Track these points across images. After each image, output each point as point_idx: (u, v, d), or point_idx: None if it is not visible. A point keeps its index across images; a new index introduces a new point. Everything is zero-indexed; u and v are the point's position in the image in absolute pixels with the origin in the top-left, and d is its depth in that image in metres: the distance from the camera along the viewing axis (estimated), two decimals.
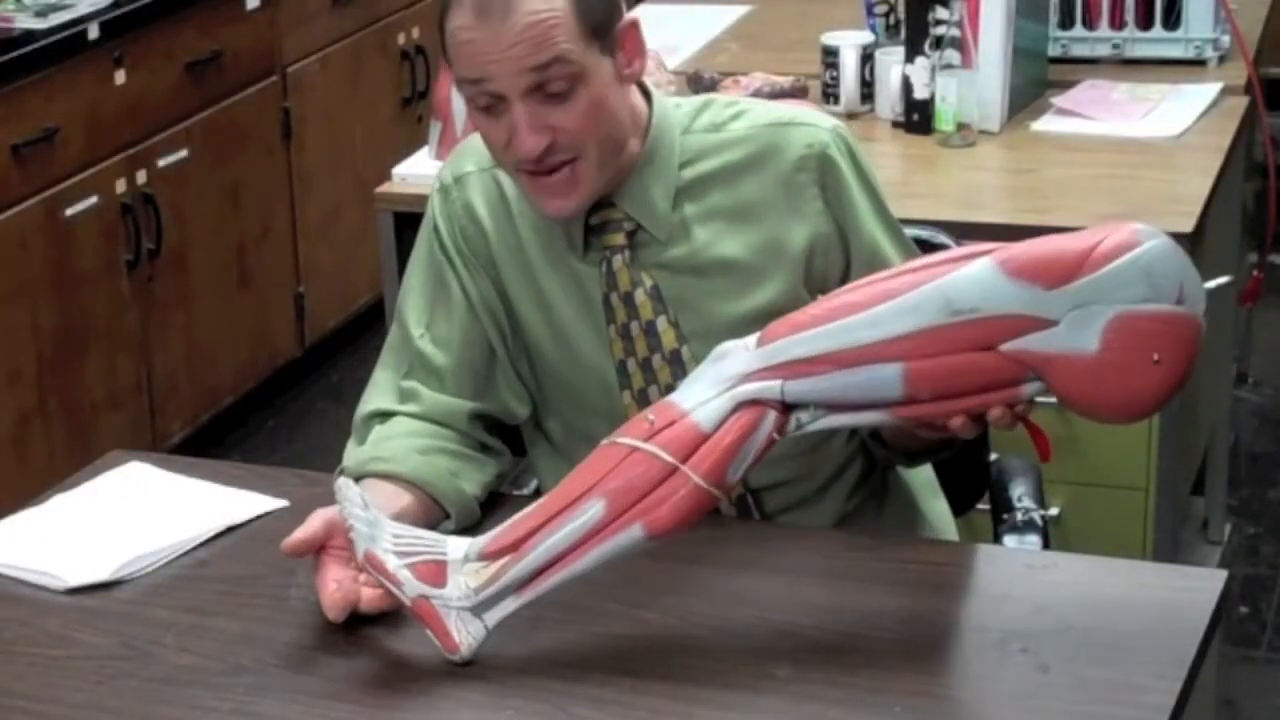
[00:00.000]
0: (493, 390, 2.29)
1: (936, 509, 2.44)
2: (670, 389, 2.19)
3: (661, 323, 2.22)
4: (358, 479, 2.12)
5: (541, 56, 2.07)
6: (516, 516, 1.97)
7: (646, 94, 2.24)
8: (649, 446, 1.93)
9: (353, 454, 2.23)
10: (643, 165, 2.21)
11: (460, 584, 1.95)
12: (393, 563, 1.94)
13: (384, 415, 2.26)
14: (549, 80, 2.09)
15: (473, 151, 2.30)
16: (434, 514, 2.18)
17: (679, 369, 2.22)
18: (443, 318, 2.28)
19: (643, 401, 2.22)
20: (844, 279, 2.22)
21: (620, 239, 2.22)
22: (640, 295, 2.22)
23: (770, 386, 1.94)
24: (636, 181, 2.21)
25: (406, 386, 2.27)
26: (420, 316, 2.29)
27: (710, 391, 1.95)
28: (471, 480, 2.22)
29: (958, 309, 1.91)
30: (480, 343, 2.28)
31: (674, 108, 2.26)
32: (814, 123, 2.27)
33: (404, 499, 2.16)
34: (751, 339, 1.98)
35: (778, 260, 2.22)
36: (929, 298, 1.91)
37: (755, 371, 1.95)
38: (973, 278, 1.91)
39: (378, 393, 2.29)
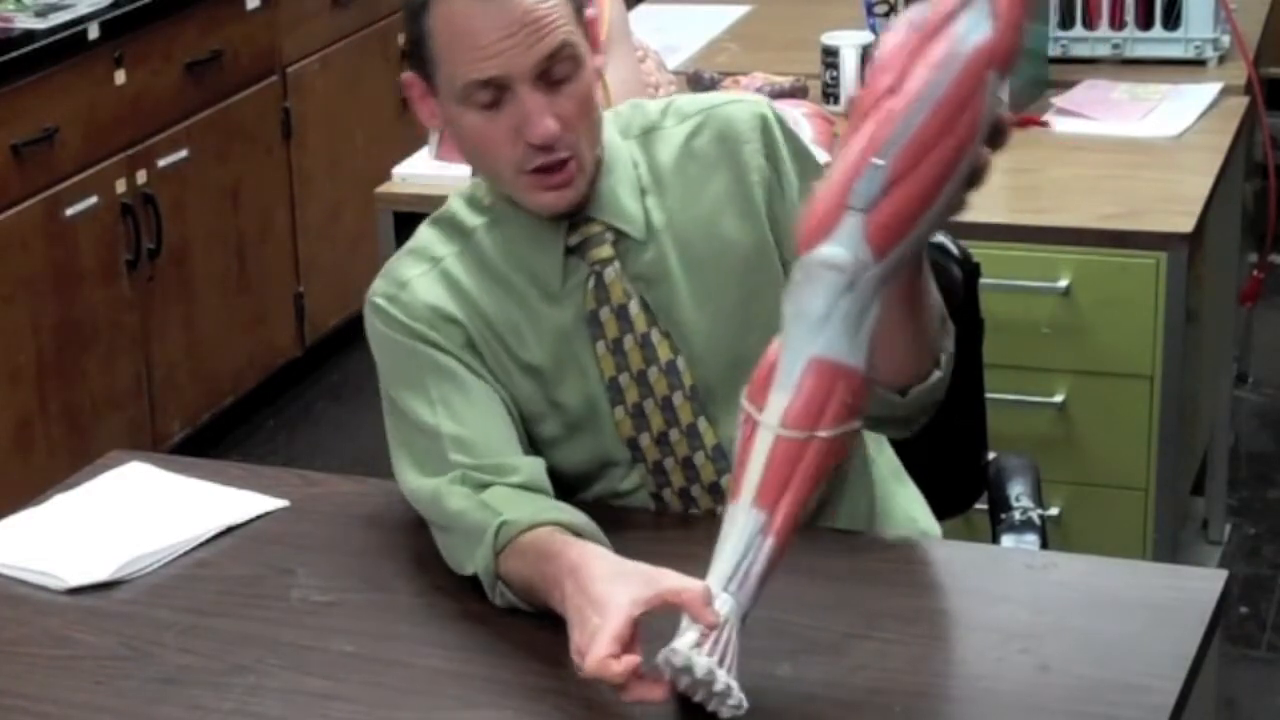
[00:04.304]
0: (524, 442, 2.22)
1: (905, 494, 2.38)
2: (667, 400, 2.20)
3: (655, 334, 2.20)
4: (523, 531, 2.05)
5: (552, 43, 2.07)
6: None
7: None
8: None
9: (505, 511, 2.08)
10: (606, 172, 2.19)
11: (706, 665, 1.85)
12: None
13: (479, 485, 2.13)
14: (555, 65, 2.08)
15: (404, 265, 2.22)
16: None
17: (675, 379, 2.20)
18: (461, 403, 2.17)
19: (637, 415, 2.20)
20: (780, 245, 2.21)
21: (608, 250, 2.18)
22: (635, 307, 2.19)
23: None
24: (605, 188, 2.19)
25: (480, 462, 2.14)
26: (442, 411, 2.16)
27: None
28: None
29: None
30: (503, 407, 2.19)
31: (604, 120, 2.23)
32: (744, 98, 2.26)
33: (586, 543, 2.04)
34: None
35: (749, 235, 2.20)
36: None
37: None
38: None
39: (442, 467, 2.15)
